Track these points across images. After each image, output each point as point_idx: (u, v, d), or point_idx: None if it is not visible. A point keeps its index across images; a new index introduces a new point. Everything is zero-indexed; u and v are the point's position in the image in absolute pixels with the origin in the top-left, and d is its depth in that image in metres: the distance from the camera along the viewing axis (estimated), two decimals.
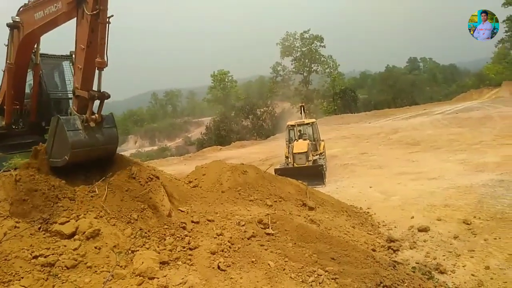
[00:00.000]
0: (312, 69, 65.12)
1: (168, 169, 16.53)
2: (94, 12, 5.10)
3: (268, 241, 5.47)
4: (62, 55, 8.93)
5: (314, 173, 13.81)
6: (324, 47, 63.54)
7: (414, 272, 5.78)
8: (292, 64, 65.08)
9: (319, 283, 4.30)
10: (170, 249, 4.86)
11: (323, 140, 18.37)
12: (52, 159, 5.61)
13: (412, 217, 8.86)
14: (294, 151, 15.05)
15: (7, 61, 7.16)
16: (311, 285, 4.29)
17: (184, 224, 5.55)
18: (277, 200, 8.17)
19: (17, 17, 6.53)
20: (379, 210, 9.72)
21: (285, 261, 4.81)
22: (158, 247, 4.85)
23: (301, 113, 19.40)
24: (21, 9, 6.45)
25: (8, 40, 7.02)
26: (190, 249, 4.98)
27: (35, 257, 4.42)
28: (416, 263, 6.53)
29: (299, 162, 14.62)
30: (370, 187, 12.49)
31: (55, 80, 8.68)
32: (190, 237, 5.26)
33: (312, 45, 63.13)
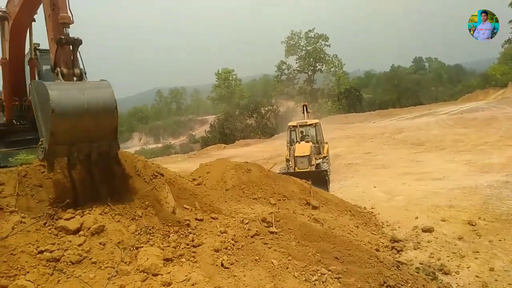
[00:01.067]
0: (317, 68, 65.03)
1: (172, 166, 16.58)
2: None
3: (272, 239, 5.47)
4: None
5: (318, 179, 12.15)
6: (329, 46, 63.42)
7: (418, 272, 5.77)
8: (296, 63, 65.06)
9: (322, 282, 4.30)
10: (174, 246, 4.87)
11: (327, 143, 17.10)
12: (44, 145, 4.61)
13: (416, 218, 8.83)
14: (295, 154, 14.00)
15: (1, 57, 7.11)
16: (315, 284, 4.29)
17: (188, 222, 5.56)
18: (280, 198, 8.18)
19: (3, 8, 6.47)
20: (383, 210, 9.70)
21: (289, 260, 4.81)
22: (162, 244, 4.86)
23: (303, 113, 18.34)
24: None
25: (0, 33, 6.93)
26: (194, 246, 4.99)
27: (41, 252, 4.45)
28: (420, 263, 6.51)
29: (300, 166, 13.55)
30: (374, 187, 12.46)
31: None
32: (194, 234, 5.27)
33: (317, 44, 63.01)
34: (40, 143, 4.69)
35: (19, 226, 4.95)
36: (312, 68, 64.66)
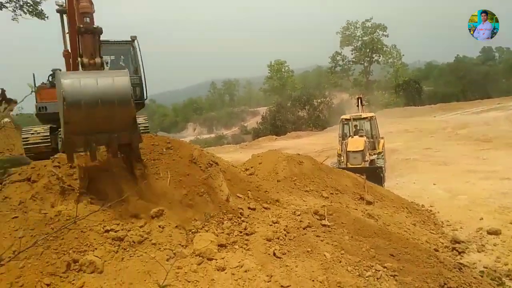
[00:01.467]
0: (373, 59, 62.43)
1: (225, 156, 16.95)
2: None
3: (324, 232, 5.42)
4: (123, 40, 9.17)
5: (372, 176, 11.16)
6: (387, 36, 60.46)
7: (482, 276, 5.40)
8: (352, 53, 62.92)
9: (377, 278, 4.19)
10: (227, 233, 5.01)
11: (382, 137, 16.06)
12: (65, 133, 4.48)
13: (481, 219, 8.25)
14: (348, 149, 13.26)
15: (64, 49, 7.46)
16: (368, 280, 4.19)
17: (241, 210, 5.68)
18: (333, 192, 8.05)
19: (60, 2, 6.70)
20: (443, 209, 9.18)
21: (341, 254, 4.74)
22: (217, 230, 5.02)
23: (358, 105, 17.39)
24: None
25: (61, 28, 7.25)
26: (247, 234, 5.09)
27: (107, 231, 4.80)
28: (484, 267, 6.09)
29: (353, 162, 12.85)
30: (434, 184, 11.81)
31: (116, 65, 8.97)
32: (246, 222, 5.37)
33: (374, 34, 60.39)
34: (59, 133, 4.64)
35: (88, 207, 5.39)
36: (368, 59, 62.22)
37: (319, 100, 51.02)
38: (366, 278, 4.22)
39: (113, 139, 4.61)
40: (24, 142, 8.10)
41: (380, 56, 61.73)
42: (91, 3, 4.85)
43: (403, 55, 61.19)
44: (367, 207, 7.63)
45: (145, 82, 8.23)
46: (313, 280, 4.11)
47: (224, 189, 6.09)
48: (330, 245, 4.98)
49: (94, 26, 4.72)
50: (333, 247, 4.91)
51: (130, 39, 8.92)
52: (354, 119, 15.43)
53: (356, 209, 7.30)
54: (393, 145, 20.42)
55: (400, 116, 40.49)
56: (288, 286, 3.98)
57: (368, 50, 61.44)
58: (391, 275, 4.34)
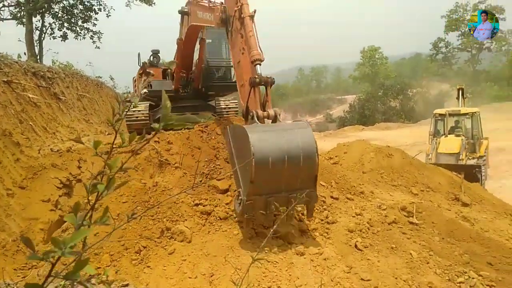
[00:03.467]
0: (484, 47, 55.42)
1: None
2: (236, 9, 4.94)
3: (411, 230, 5.12)
4: None
5: (467, 176, 9.02)
6: (504, 20, 52.95)
7: None
8: (458, 39, 56.62)
9: (470, 286, 3.83)
10: (308, 220, 5.02)
11: (486, 138, 13.37)
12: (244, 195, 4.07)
13: None
14: (439, 150, 11.50)
15: (178, 37, 8.22)
16: (460, 286, 3.86)
17: (323, 198, 5.63)
18: (424, 189, 7.50)
19: (186, 7, 7.29)
20: None
21: (430, 255, 4.43)
22: (298, 215, 5.06)
23: (458, 98, 14.66)
24: None
25: (180, 22, 8.02)
26: (328, 223, 5.05)
27: (196, 204, 5.18)
28: None
29: None
30: None
31: (216, 49, 9.51)
32: (328, 211, 5.32)
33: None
34: (237, 193, 4.24)
35: (181, 180, 5.86)
36: (477, 46, 55.49)
37: (414, 90, 47.37)
38: (458, 284, 3.89)
39: (292, 199, 3.98)
40: (127, 119, 9.09)
41: (492, 42, 54.46)
42: (261, 51, 4.68)
43: None
44: (463, 209, 6.95)
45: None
46: (396, 278, 3.93)
47: None
48: (418, 244, 4.68)
49: (268, 76, 4.48)
50: (420, 247, 4.61)
51: None
52: (451, 115, 13.11)
53: (449, 210, 6.71)
54: (500, 144, 18.10)
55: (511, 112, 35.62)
56: (368, 280, 3.87)
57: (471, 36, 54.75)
58: (487, 285, 3.93)
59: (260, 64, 4.61)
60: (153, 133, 1.21)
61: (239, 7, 4.89)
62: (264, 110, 4.45)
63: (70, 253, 0.83)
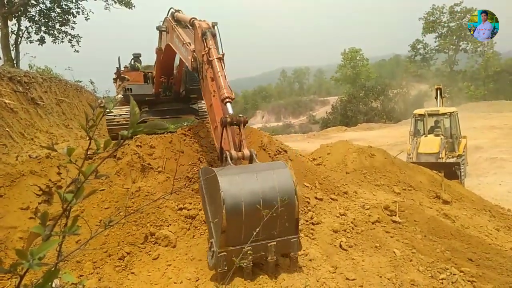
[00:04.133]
0: (460, 48, 56.93)
1: (292, 145, 16.88)
2: (204, 53, 4.90)
3: (394, 229, 5.19)
4: None
5: (447, 174, 9.29)
6: (498, 21, 54.35)
7: None
8: (435, 41, 58.02)
9: (452, 282, 3.91)
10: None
11: (464, 137, 13.54)
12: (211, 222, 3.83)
13: None
14: (419, 151, 11.65)
15: (157, 47, 8.10)
16: (442, 283, 3.93)
17: (308, 199, 5.66)
18: (406, 188, 7.64)
19: (163, 26, 7.17)
20: None
21: (413, 253, 4.50)
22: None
23: (436, 97, 14.91)
24: (168, 15, 6.89)
25: (158, 36, 7.90)
26: (313, 224, 5.07)
27: (180, 209, 5.12)
28: None
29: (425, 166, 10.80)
30: None
31: None
32: (313, 212, 5.34)
33: (463, 19, 54.86)
34: (209, 245, 3.86)
35: (164, 184, 5.78)
36: (454, 47, 56.95)
37: (395, 91, 48.26)
38: (440, 281, 3.96)
39: (271, 248, 3.73)
40: (108, 123, 8.96)
41: (468, 44, 56.05)
42: (231, 90, 4.61)
43: (495, 43, 54.88)
44: (444, 206, 7.12)
45: None
46: (380, 276, 3.97)
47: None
48: (401, 242, 4.75)
49: (240, 115, 4.33)
50: (403, 245, 4.68)
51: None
52: (430, 115, 13.20)
53: (431, 208, 6.85)
54: (477, 142, 18.64)
55: (487, 111, 36.73)
56: (353, 280, 3.90)
57: (454, 37, 56.17)
58: (468, 281, 4.02)
59: (230, 102, 4.49)
60: (121, 141, 1.17)
61: (206, 51, 4.89)
62: (239, 151, 4.22)
63: (38, 264, 0.79)
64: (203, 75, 5.20)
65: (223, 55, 4.93)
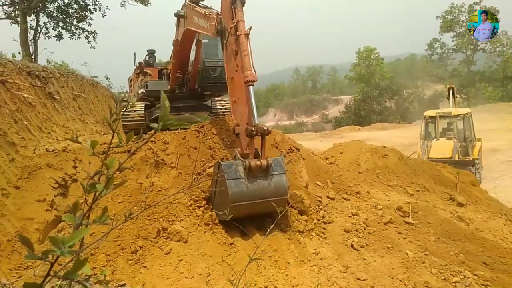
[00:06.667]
0: (478, 48, 55.73)
1: (304, 144, 16.82)
2: (232, 25, 4.87)
3: (407, 230, 5.14)
4: None
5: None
6: (498, 21, 53.20)
7: None
8: (453, 40, 56.88)
9: (466, 285, 3.85)
10: (305, 220, 5.03)
11: (479, 139, 12.95)
12: (215, 210, 4.89)
13: None
14: (431, 155, 11.19)
15: (174, 39, 8.17)
16: (455, 286, 3.88)
17: (320, 198, 5.64)
18: (420, 189, 7.55)
19: (182, 11, 7.16)
20: None
21: (425, 254, 4.46)
22: (295, 216, 5.06)
23: (448, 97, 14.17)
24: (186, 1, 6.90)
25: (176, 23, 7.96)
26: (324, 223, 5.06)
27: (192, 204, 5.16)
28: None
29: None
30: None
31: (213, 50, 9.47)
32: (325, 211, 5.32)
33: None
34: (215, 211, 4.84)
35: (177, 180, 5.84)
36: (472, 46, 55.77)
37: (409, 91, 47.59)
38: (453, 284, 3.91)
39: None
40: (123, 119, 9.05)
41: (487, 43, 54.81)
42: (255, 70, 4.67)
43: None
44: (458, 209, 7.00)
45: None
46: (392, 278, 3.94)
47: (304, 176, 6.09)
48: (413, 244, 4.71)
49: (265, 128, 4.50)
50: (416, 247, 4.63)
51: None
52: (442, 117, 12.55)
53: (445, 210, 6.75)
54: (494, 144, 18.25)
55: (505, 112, 35.89)
56: (364, 280, 3.88)
57: (473, 37, 55.02)
58: (482, 284, 3.96)
59: (252, 85, 4.60)
60: (149, 132, 1.19)
61: (235, 23, 4.81)
62: (258, 160, 4.49)
63: (69, 252, 0.83)
64: (227, 42, 5.14)
65: (251, 28, 4.81)
